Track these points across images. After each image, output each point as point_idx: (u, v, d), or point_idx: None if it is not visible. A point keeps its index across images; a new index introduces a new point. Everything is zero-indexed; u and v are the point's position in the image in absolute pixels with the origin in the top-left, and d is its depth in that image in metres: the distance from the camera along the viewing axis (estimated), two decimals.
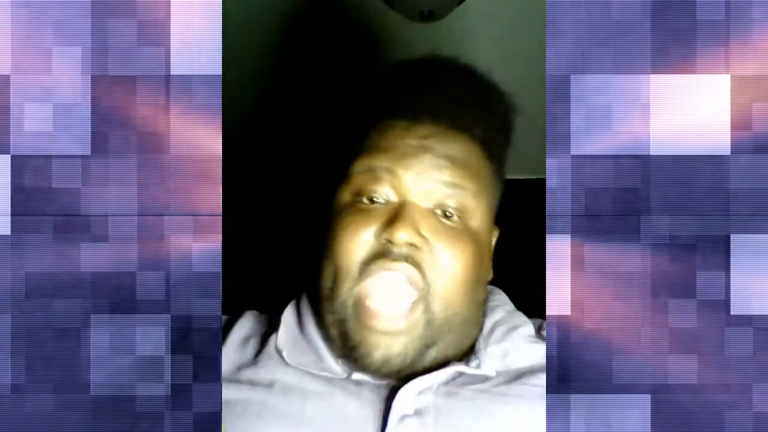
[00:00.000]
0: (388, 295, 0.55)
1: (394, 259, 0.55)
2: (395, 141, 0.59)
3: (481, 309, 0.64)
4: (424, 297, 0.56)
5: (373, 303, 0.55)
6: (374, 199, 0.58)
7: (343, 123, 0.68)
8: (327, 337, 0.60)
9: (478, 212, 0.59)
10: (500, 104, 0.65)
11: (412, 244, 0.55)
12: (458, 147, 0.59)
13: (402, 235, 0.54)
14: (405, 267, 0.55)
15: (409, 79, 0.63)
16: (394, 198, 0.57)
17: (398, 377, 0.57)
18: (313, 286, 0.62)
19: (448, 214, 0.58)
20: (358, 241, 0.56)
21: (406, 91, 0.62)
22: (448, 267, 0.56)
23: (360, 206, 0.58)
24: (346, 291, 0.56)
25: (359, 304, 0.56)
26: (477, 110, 0.62)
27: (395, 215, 0.56)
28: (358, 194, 0.58)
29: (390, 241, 0.55)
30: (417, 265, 0.55)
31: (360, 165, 0.59)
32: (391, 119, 0.61)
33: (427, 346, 0.56)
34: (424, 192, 0.57)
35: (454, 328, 0.58)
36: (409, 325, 0.55)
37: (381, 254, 0.55)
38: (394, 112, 0.61)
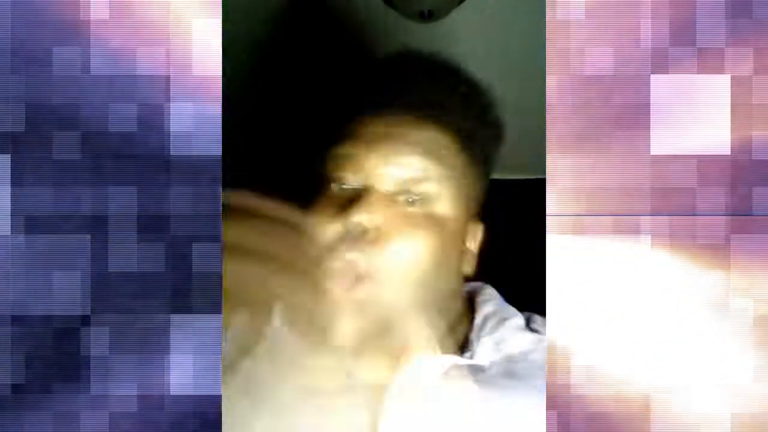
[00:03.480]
0: (340, 278, 0.56)
1: (349, 243, 0.56)
2: (362, 129, 0.61)
3: (458, 301, 0.65)
4: (374, 280, 0.56)
5: (327, 283, 0.56)
6: (342, 186, 0.59)
7: (320, 116, 0.69)
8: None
9: (444, 200, 0.60)
10: (477, 96, 0.66)
11: (366, 229, 0.56)
12: (425, 135, 0.60)
13: (355, 219, 0.56)
14: (359, 250, 0.56)
15: (382, 73, 0.65)
16: (359, 184, 0.59)
17: (384, 361, 0.57)
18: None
19: (410, 200, 0.59)
20: (321, 227, 0.58)
21: (378, 85, 0.64)
22: (401, 252, 0.57)
23: (328, 193, 0.60)
24: (311, 275, 0.57)
25: (317, 285, 0.57)
26: (449, 101, 0.63)
27: (354, 200, 0.57)
28: (329, 182, 0.60)
29: (348, 225, 0.56)
30: (369, 248, 0.56)
31: (330, 154, 0.61)
32: (364, 112, 0.62)
33: (383, 328, 0.57)
34: (386, 177, 0.58)
35: (415, 313, 0.58)
36: (359, 302, 0.56)
37: (340, 239, 0.57)
38: (366, 105, 0.63)
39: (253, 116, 1.33)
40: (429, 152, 0.60)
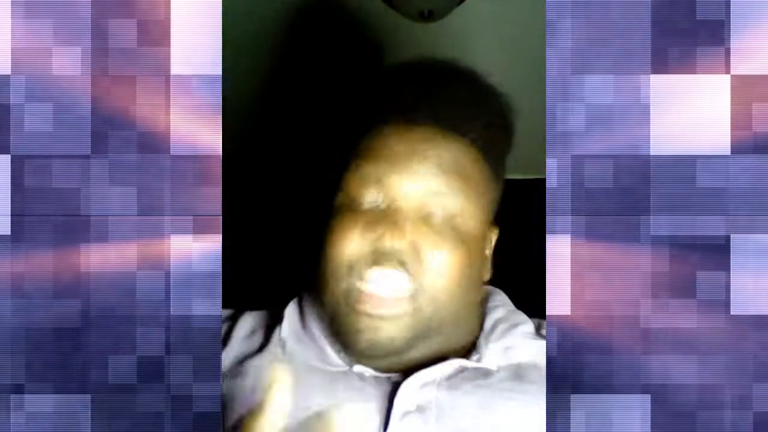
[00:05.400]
0: (376, 291, 0.56)
1: (382, 261, 0.56)
2: (385, 146, 0.60)
3: (477, 308, 0.65)
4: (412, 297, 0.57)
5: (362, 292, 0.57)
6: (365, 203, 0.59)
7: (338, 126, 0.68)
8: (326, 331, 0.62)
9: (468, 215, 0.60)
10: (497, 106, 0.65)
11: (398, 247, 0.56)
12: (450, 152, 0.60)
13: (388, 238, 0.56)
14: (391, 269, 0.56)
15: (403, 83, 0.64)
16: (383, 202, 0.58)
17: (395, 369, 0.58)
18: (311, 285, 0.64)
19: (435, 216, 0.59)
20: (348, 243, 0.58)
21: (399, 96, 0.62)
22: (434, 268, 0.57)
23: (351, 209, 0.59)
24: (338, 287, 0.58)
25: (349, 295, 0.57)
26: (472, 113, 0.62)
27: (382, 219, 0.57)
28: (351, 198, 0.60)
29: (378, 244, 0.56)
30: (403, 267, 0.56)
31: (351, 170, 0.61)
32: (385, 124, 0.61)
33: (416, 338, 0.58)
34: (411, 197, 0.58)
35: (445, 327, 0.59)
36: (397, 313, 0.57)
37: (370, 256, 0.57)
38: (387, 116, 0.62)
39: (256, 120, 1.33)
40: (453, 170, 0.59)
